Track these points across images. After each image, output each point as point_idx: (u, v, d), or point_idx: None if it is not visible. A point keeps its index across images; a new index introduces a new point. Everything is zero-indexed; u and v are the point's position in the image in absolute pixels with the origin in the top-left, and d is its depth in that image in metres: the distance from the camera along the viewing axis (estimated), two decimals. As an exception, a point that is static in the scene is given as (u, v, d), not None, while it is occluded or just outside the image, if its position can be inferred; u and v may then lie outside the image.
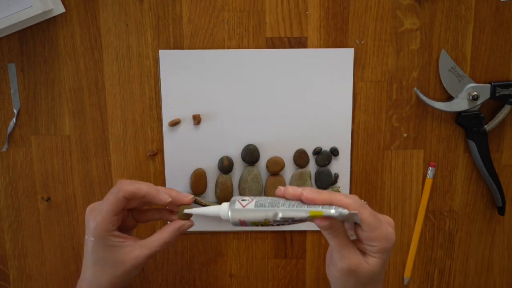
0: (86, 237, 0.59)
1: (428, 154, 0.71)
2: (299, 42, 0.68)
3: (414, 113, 0.70)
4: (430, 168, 0.71)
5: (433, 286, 0.76)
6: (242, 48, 0.68)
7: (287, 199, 0.53)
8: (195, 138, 0.70)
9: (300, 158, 0.71)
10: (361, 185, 0.72)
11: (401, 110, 0.70)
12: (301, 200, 0.52)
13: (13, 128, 0.71)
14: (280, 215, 0.52)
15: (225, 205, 0.55)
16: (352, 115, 0.70)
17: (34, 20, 0.66)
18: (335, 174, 0.72)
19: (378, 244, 0.52)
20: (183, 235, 0.74)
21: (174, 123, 0.69)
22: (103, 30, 0.68)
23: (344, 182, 0.72)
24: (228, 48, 0.68)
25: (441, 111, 0.70)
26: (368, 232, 0.52)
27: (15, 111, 0.70)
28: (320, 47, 0.68)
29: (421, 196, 0.72)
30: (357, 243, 0.54)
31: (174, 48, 0.68)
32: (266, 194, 0.72)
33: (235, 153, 0.71)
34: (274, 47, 0.68)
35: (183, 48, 0.68)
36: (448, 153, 0.72)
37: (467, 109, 0.68)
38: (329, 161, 0.71)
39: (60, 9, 0.67)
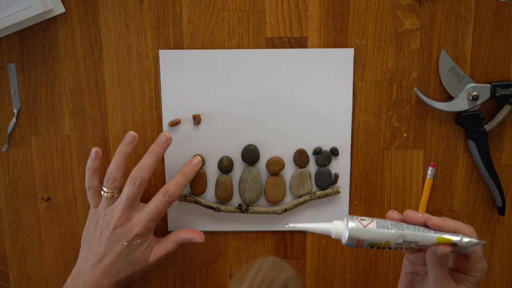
0: (121, 241, 0.65)
1: (428, 154, 0.71)
2: (299, 42, 0.68)
3: (414, 113, 0.70)
4: (430, 168, 0.71)
5: (433, 286, 0.76)
6: (242, 48, 0.68)
7: (407, 223, 0.53)
8: (195, 138, 0.70)
9: (300, 158, 0.71)
10: (361, 185, 0.72)
11: (401, 110, 0.70)
12: (426, 226, 0.53)
13: (13, 128, 0.71)
14: (404, 238, 0.52)
15: (338, 223, 0.54)
16: (352, 115, 0.70)
17: (34, 20, 0.66)
18: (335, 174, 0.72)
19: (478, 275, 0.54)
20: (183, 235, 0.74)
21: (174, 123, 0.69)
22: (103, 30, 0.68)
23: (344, 182, 0.72)
24: (228, 48, 0.68)
25: (441, 111, 0.70)
26: (474, 263, 0.54)
27: (15, 111, 0.70)
28: (320, 47, 0.68)
29: (421, 196, 0.72)
30: (451, 273, 0.56)
31: (174, 48, 0.68)
32: (266, 194, 0.72)
33: (235, 153, 0.71)
34: (274, 47, 0.68)
35: (183, 48, 0.68)
36: (448, 153, 0.72)
37: (467, 109, 0.68)
38: (329, 161, 0.71)
39: (60, 9, 0.67)
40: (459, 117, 0.69)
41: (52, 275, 0.75)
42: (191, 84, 0.69)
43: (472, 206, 0.73)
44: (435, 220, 0.53)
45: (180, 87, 0.69)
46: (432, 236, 0.52)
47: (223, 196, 0.71)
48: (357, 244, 0.53)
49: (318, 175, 0.71)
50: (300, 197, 0.72)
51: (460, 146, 0.71)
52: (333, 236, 0.54)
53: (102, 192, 0.66)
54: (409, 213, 0.54)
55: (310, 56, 0.68)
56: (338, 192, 0.72)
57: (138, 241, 0.65)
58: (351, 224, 0.53)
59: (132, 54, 0.69)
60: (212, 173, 0.71)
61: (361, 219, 0.53)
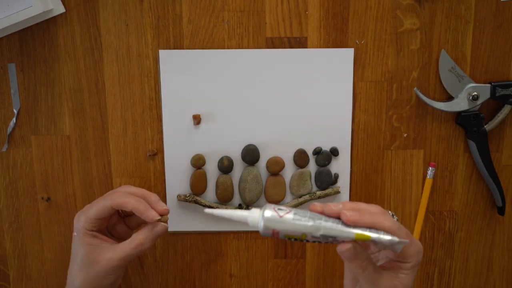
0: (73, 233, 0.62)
1: (428, 154, 0.71)
2: (299, 42, 0.68)
3: (414, 113, 0.70)
4: (430, 168, 0.71)
5: (433, 286, 0.76)
6: (242, 48, 0.68)
7: (326, 215, 0.50)
8: (195, 138, 0.70)
9: (300, 158, 0.71)
10: (361, 185, 0.72)
11: (401, 110, 0.70)
12: (341, 219, 0.50)
13: (13, 128, 0.71)
14: (321, 232, 0.49)
15: (255, 211, 0.51)
16: (352, 115, 0.70)
17: (34, 20, 0.66)
18: (335, 174, 0.72)
19: (413, 260, 0.52)
20: (183, 235, 0.74)
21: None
22: (103, 30, 0.68)
23: (344, 182, 0.72)
24: (228, 48, 0.68)
25: (441, 111, 0.70)
26: (406, 249, 0.51)
27: (15, 111, 0.70)
28: (320, 47, 0.68)
29: (421, 196, 0.72)
30: (385, 264, 0.54)
31: (174, 48, 0.68)
32: (266, 194, 0.72)
33: (235, 153, 0.71)
34: (274, 47, 0.68)
35: (183, 48, 0.68)
36: (448, 153, 0.72)
37: (467, 109, 0.68)
38: (329, 161, 0.71)
39: (60, 9, 0.67)
40: (459, 117, 0.69)
41: (52, 275, 0.75)
42: (191, 84, 0.69)
43: (472, 206, 0.73)
44: (349, 215, 0.49)
45: (180, 87, 0.69)
46: (350, 231, 0.49)
47: (224, 196, 0.71)
48: (272, 234, 0.50)
49: (318, 175, 0.71)
50: (300, 197, 0.72)
51: (460, 146, 0.71)
52: (250, 224, 0.50)
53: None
54: (328, 205, 0.50)
55: (310, 56, 0.68)
56: (338, 192, 0.72)
57: (75, 234, 0.61)
58: (267, 214, 0.50)
59: (132, 54, 0.69)
60: (212, 173, 0.71)
61: (279, 209, 0.50)
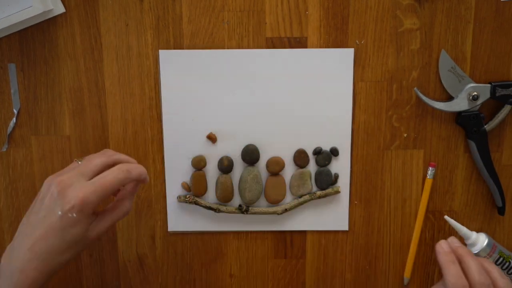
0: (55, 210, 0.53)
1: (428, 154, 0.71)
2: (299, 42, 0.68)
3: (414, 113, 0.70)
4: (430, 168, 0.71)
5: (433, 286, 0.76)
6: (242, 48, 0.68)
7: None
8: (195, 138, 0.70)
9: (300, 158, 0.71)
10: (361, 185, 0.72)
11: (401, 110, 0.70)
12: None
13: (13, 128, 0.71)
14: None
15: (482, 235, 0.68)
16: (352, 115, 0.70)
17: (34, 20, 0.66)
18: (335, 174, 0.72)
19: None
20: (183, 235, 0.74)
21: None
22: (103, 30, 0.68)
23: (344, 182, 0.72)
24: (228, 48, 0.68)
25: (441, 111, 0.70)
26: None
27: (15, 111, 0.70)
28: (320, 47, 0.68)
29: (421, 196, 0.72)
30: None
31: (174, 48, 0.68)
32: (266, 194, 0.72)
33: (235, 153, 0.71)
34: (274, 47, 0.68)
35: (183, 48, 0.68)
36: (448, 153, 0.72)
37: (467, 109, 0.68)
38: (329, 161, 0.71)
39: (60, 9, 0.67)
40: (459, 117, 0.69)
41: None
42: (191, 84, 0.69)
43: (472, 206, 0.73)
44: None
45: (180, 87, 0.69)
46: None
47: (224, 196, 0.71)
48: (492, 247, 0.67)
49: (318, 175, 0.71)
50: (300, 197, 0.72)
51: (460, 146, 0.71)
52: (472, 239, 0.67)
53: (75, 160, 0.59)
54: None
55: (310, 56, 0.68)
56: (338, 192, 0.72)
57: (74, 215, 0.53)
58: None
59: (132, 54, 0.69)
60: (212, 173, 0.71)
61: None
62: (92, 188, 0.54)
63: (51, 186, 0.54)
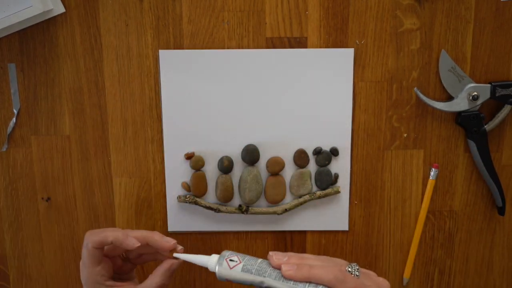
0: None
1: (428, 154, 0.71)
2: (299, 42, 0.68)
3: (414, 113, 0.70)
4: (433, 169, 0.71)
5: (433, 286, 0.76)
6: (242, 48, 0.68)
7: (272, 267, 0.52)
8: (195, 138, 0.70)
9: (300, 158, 0.71)
10: (361, 185, 0.72)
11: (401, 110, 0.70)
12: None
13: (13, 128, 0.71)
14: (265, 285, 0.52)
15: (214, 258, 0.55)
16: (352, 115, 0.70)
17: (34, 20, 0.66)
18: (335, 174, 0.72)
19: None
20: (183, 235, 0.74)
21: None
22: (103, 30, 0.68)
23: (344, 182, 0.72)
24: (228, 48, 0.68)
25: (441, 111, 0.70)
26: None
27: (15, 111, 0.70)
28: (320, 47, 0.68)
29: (422, 196, 0.72)
30: None
31: (174, 48, 0.68)
32: (266, 194, 0.72)
33: (235, 153, 0.71)
34: (274, 47, 0.68)
35: (183, 48, 0.68)
36: (448, 153, 0.72)
37: (467, 109, 0.68)
38: (329, 161, 0.71)
39: (60, 9, 0.67)
40: (459, 117, 0.69)
41: (52, 275, 0.75)
42: (191, 84, 0.69)
43: (472, 206, 0.73)
44: (285, 270, 0.50)
45: (180, 87, 0.69)
46: (292, 287, 0.50)
47: (224, 196, 0.71)
48: (226, 280, 0.54)
49: (318, 175, 0.71)
50: (300, 197, 0.72)
51: (460, 146, 0.71)
52: (210, 269, 0.55)
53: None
54: (272, 257, 0.52)
55: (310, 56, 0.68)
56: (338, 192, 0.72)
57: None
58: (220, 264, 0.54)
59: (132, 54, 0.69)
60: (212, 173, 0.71)
61: (230, 260, 0.54)
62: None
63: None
